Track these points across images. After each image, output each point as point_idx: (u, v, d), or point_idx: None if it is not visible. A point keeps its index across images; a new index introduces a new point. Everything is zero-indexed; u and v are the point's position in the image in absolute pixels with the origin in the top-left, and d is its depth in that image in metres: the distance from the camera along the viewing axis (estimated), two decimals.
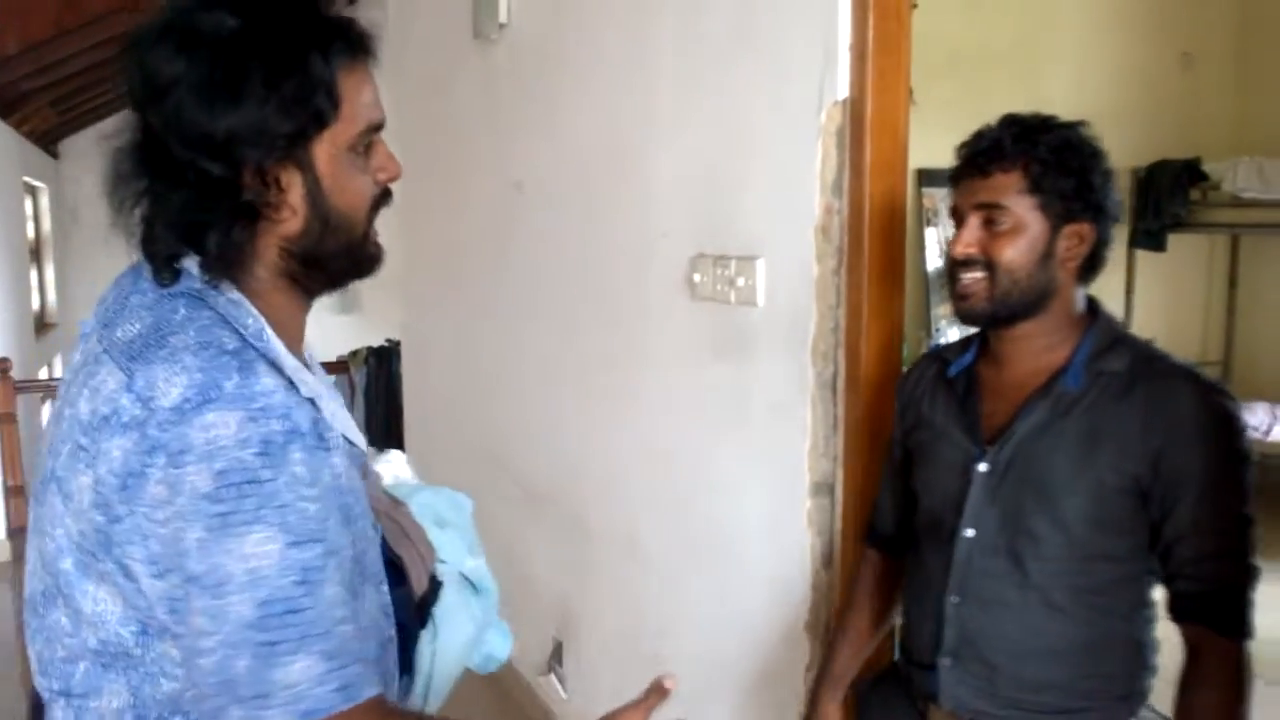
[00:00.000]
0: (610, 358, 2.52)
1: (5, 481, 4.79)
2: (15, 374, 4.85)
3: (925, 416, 1.47)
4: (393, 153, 0.98)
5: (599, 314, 2.57)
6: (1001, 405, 1.37)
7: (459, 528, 1.25)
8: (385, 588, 1.01)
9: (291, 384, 0.89)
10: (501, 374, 3.15)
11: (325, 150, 0.91)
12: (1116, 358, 1.31)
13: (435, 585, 1.16)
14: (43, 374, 7.18)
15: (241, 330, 0.89)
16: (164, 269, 0.90)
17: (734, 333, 2.00)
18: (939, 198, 4.81)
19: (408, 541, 1.13)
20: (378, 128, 0.95)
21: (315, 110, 0.88)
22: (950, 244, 1.35)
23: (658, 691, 0.93)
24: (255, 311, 0.92)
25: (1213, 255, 5.85)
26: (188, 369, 0.83)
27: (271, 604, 0.81)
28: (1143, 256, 5.33)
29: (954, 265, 1.34)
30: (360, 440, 1.03)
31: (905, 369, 1.66)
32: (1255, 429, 4.95)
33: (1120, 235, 5.32)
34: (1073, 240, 1.32)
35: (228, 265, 0.91)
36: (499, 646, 1.30)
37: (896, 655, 1.60)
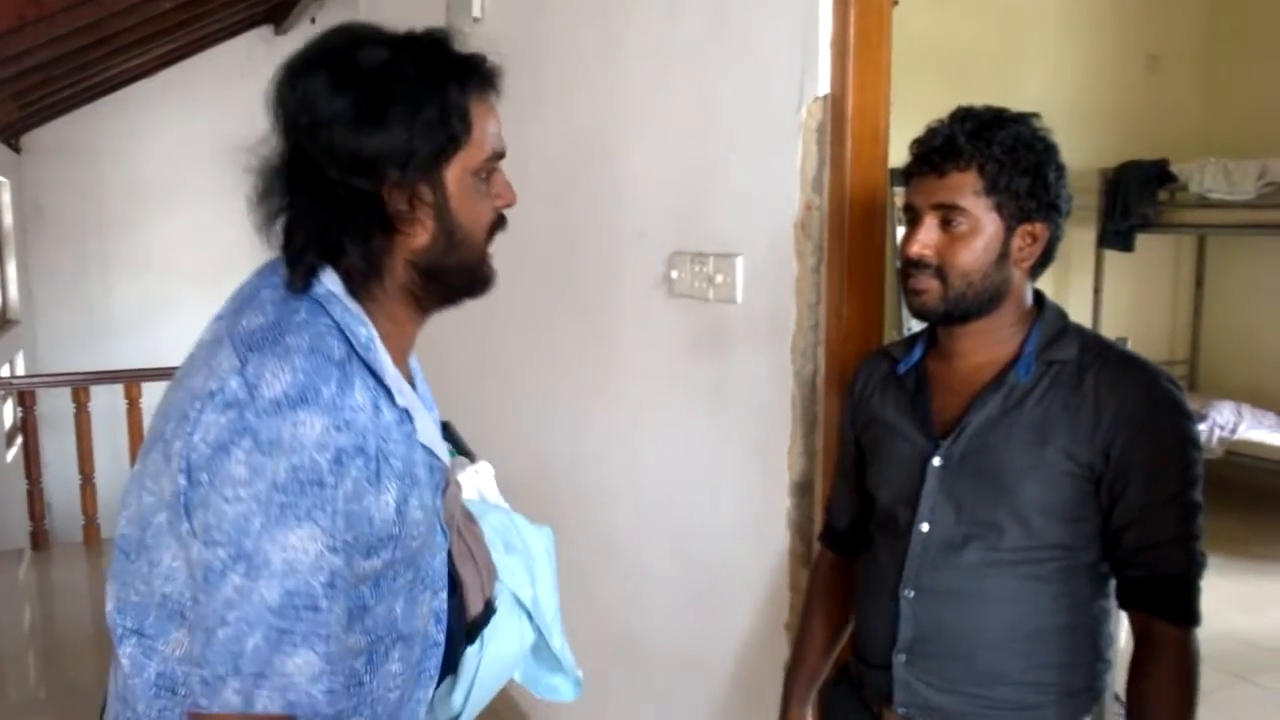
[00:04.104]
0: (585, 354, 2.50)
1: None
2: None
3: (876, 414, 1.47)
4: (509, 182, 1.08)
5: (574, 310, 2.55)
6: (953, 400, 1.37)
7: (525, 556, 1.29)
8: (444, 595, 1.10)
9: (389, 393, 0.98)
10: (473, 371, 3.12)
11: (455, 172, 1.00)
12: (1065, 347, 1.32)
13: (489, 610, 1.21)
14: (4, 371, 7.04)
15: (352, 340, 0.97)
16: (302, 277, 0.98)
17: (712, 330, 1.99)
18: None
19: (471, 562, 1.17)
20: (499, 156, 1.05)
21: (451, 134, 0.98)
22: (904, 241, 1.35)
23: None
24: (369, 323, 1.00)
25: (1179, 255, 5.93)
26: (295, 369, 0.91)
27: (296, 595, 0.89)
28: (1111, 256, 5.39)
29: (907, 263, 1.35)
30: (443, 453, 1.10)
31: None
32: (1222, 427, 5.02)
33: (1089, 235, 5.39)
34: (1026, 240, 1.32)
35: (366, 275, 1.00)
36: (565, 691, 1.43)
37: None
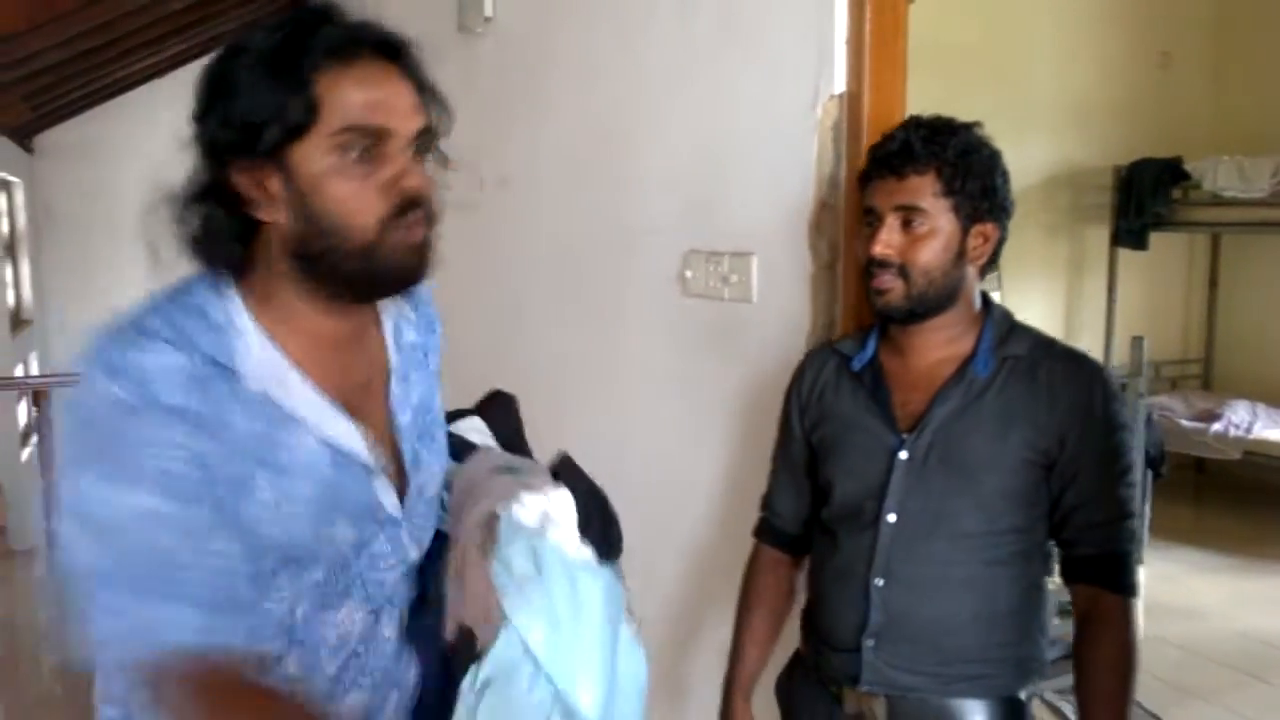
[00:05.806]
0: (598, 354, 2.49)
1: None
2: None
3: (830, 410, 1.52)
4: (417, 166, 0.96)
5: (587, 310, 2.54)
6: (914, 394, 1.43)
7: (546, 594, 1.04)
8: (394, 611, 1.09)
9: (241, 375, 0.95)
10: (483, 372, 3.11)
11: (306, 153, 0.92)
12: (1017, 343, 1.41)
13: (464, 640, 1.05)
14: (18, 371, 7.07)
15: (206, 319, 0.94)
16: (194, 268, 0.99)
17: (727, 329, 1.98)
18: None
19: (460, 596, 1.07)
20: (370, 131, 0.93)
21: (289, 120, 0.91)
22: (867, 242, 1.41)
23: None
24: (240, 307, 0.96)
25: (1193, 253, 5.90)
26: (112, 342, 0.92)
27: (131, 547, 0.89)
28: (1124, 254, 5.36)
29: (870, 263, 1.40)
30: (359, 449, 1.02)
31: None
32: (1237, 426, 5.00)
33: (1103, 233, 5.37)
34: (979, 240, 1.40)
35: (234, 262, 0.97)
36: None
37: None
